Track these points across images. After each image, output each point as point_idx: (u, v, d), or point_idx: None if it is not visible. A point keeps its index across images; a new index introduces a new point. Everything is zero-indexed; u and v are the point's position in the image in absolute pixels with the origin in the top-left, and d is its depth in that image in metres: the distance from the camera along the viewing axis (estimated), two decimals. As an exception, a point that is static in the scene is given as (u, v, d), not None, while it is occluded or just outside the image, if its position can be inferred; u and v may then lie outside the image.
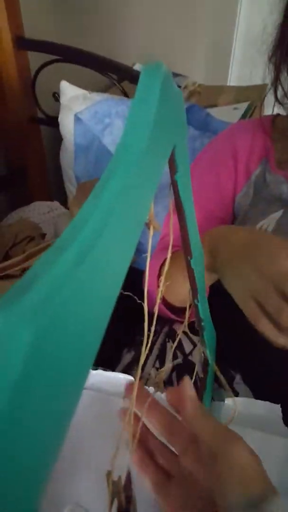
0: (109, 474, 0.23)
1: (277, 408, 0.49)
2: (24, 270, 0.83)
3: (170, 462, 0.34)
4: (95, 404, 0.46)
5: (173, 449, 0.34)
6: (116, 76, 1.14)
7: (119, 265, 0.19)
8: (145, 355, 0.31)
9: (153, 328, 0.31)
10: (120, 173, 0.18)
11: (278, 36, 0.60)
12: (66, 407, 0.14)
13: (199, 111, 1.20)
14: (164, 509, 0.32)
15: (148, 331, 0.30)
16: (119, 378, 0.52)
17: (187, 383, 0.32)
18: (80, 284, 0.14)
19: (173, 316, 0.65)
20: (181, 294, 0.60)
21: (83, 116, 1.11)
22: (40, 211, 1.18)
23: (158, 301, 0.33)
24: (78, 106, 1.13)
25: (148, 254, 0.27)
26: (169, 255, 0.33)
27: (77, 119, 1.12)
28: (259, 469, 0.29)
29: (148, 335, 0.32)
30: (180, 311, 0.64)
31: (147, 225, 0.25)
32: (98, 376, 0.53)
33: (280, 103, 0.64)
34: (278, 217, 0.67)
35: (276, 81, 0.62)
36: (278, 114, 0.71)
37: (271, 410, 0.49)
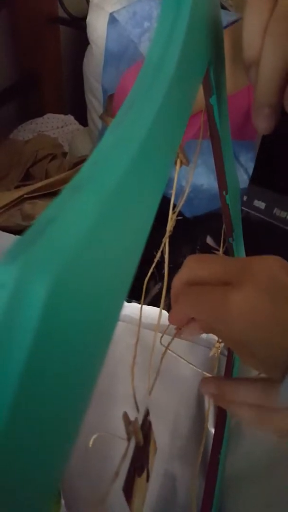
0: (125, 415, 0.23)
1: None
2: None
3: None
4: (127, 335, 0.47)
5: None
6: None
7: (149, 203, 0.18)
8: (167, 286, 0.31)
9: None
10: (146, 98, 0.16)
11: None
12: (93, 358, 0.13)
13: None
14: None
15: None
16: (147, 310, 0.53)
17: None
18: (103, 227, 0.12)
19: None
20: None
21: (120, 16, 0.95)
22: (53, 125, 1.08)
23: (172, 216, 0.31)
24: (112, 6, 0.96)
25: (174, 190, 0.24)
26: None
27: (113, 19, 0.96)
28: None
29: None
30: None
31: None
32: (130, 308, 0.55)
33: None
34: None
35: None
36: None
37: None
